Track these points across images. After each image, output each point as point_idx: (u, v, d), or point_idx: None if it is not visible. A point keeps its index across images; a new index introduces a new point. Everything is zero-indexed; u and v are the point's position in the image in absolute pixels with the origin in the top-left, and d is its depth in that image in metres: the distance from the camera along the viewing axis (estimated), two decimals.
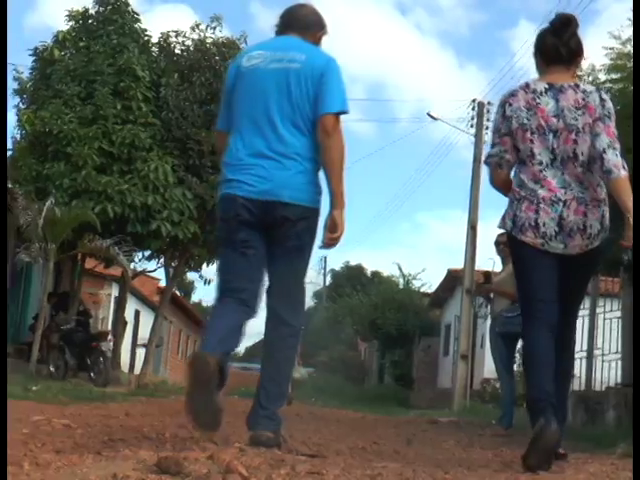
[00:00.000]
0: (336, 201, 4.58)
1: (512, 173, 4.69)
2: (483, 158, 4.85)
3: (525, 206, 4.48)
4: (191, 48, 18.66)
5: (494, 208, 53.54)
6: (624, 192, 4.35)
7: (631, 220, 4.29)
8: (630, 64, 7.74)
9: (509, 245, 4.78)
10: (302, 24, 4.85)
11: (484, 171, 4.89)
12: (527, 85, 4.61)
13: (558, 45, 4.61)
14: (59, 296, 18.73)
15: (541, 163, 4.49)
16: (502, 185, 4.73)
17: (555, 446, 4.27)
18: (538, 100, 4.51)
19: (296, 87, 4.56)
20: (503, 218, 4.62)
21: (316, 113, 4.54)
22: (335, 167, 4.55)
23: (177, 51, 18.85)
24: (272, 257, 4.66)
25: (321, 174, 4.68)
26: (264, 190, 4.50)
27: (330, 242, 4.64)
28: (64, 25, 18.45)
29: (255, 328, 5.35)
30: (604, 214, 4.50)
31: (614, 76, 7.94)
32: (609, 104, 4.55)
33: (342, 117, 4.61)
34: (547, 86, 4.55)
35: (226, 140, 4.76)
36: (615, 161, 4.36)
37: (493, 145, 4.68)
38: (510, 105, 4.57)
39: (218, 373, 4.19)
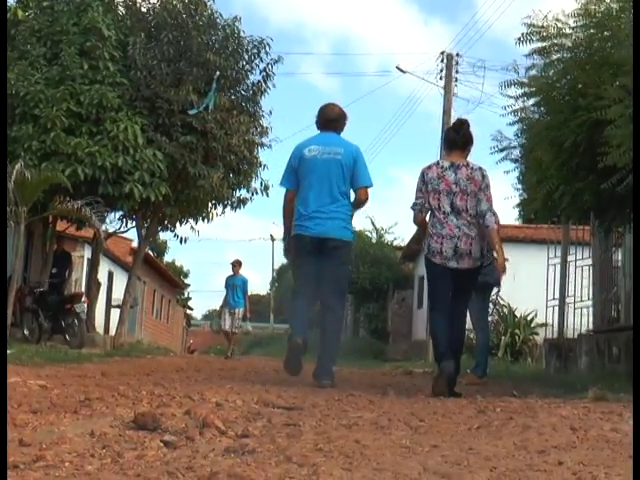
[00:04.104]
0: None
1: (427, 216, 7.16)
2: (410, 204, 7.20)
3: (434, 240, 6.98)
4: (157, 6, 18.41)
5: None
6: (495, 237, 6.98)
7: (501, 254, 6.99)
8: (600, 8, 7.77)
9: (425, 262, 7.21)
10: (334, 121, 7.84)
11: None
12: (438, 163, 7.16)
13: (456, 138, 7.17)
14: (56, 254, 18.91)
15: (445, 212, 6.96)
16: (422, 222, 7.17)
17: (451, 382, 6.70)
18: (444, 173, 7.01)
19: (341, 170, 7.56)
20: (426, 244, 7.08)
21: (353, 186, 7.65)
22: None
23: (143, 9, 18.60)
24: (324, 269, 7.48)
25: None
26: (322, 232, 7.47)
27: None
28: None
29: None
30: (483, 246, 7.02)
31: (582, 22, 7.85)
32: (487, 179, 7.03)
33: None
34: (450, 164, 7.05)
35: (295, 197, 7.72)
36: (491, 220, 6.91)
37: (417, 197, 7.09)
38: (427, 174, 7.05)
39: (304, 346, 7.34)
